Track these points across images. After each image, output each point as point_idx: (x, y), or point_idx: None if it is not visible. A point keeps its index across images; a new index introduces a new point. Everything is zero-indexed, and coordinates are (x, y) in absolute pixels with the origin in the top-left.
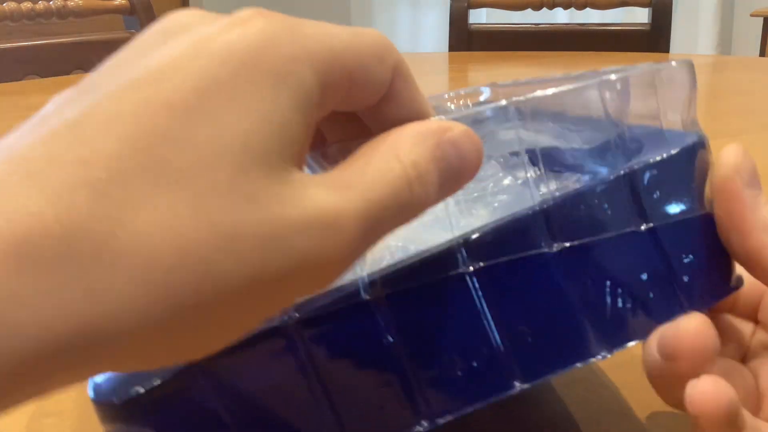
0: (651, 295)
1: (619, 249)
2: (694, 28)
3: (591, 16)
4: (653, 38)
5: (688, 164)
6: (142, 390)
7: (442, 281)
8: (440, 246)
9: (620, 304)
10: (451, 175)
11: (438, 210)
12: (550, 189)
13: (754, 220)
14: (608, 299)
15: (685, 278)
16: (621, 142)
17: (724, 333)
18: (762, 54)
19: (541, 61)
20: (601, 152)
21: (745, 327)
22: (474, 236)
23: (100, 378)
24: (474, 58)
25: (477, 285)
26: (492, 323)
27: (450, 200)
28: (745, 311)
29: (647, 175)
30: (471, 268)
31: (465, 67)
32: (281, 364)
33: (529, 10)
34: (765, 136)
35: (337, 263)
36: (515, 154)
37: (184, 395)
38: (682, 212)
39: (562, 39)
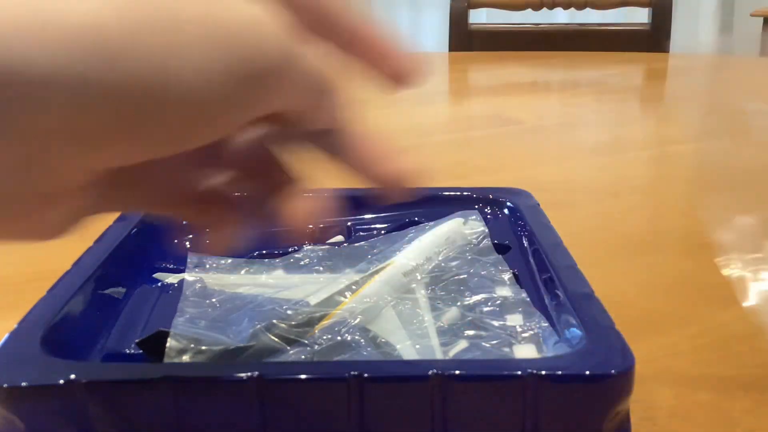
0: None
1: None
2: (694, 28)
3: (591, 16)
4: (653, 38)
5: None
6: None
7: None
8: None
9: None
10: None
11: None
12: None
13: None
14: None
15: None
16: None
17: None
18: (762, 54)
19: (541, 61)
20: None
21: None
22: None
23: None
24: (474, 58)
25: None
26: None
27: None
28: None
29: None
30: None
31: (465, 67)
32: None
33: (529, 10)
34: (765, 136)
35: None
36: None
37: (66, 403)
38: None
39: (562, 39)
